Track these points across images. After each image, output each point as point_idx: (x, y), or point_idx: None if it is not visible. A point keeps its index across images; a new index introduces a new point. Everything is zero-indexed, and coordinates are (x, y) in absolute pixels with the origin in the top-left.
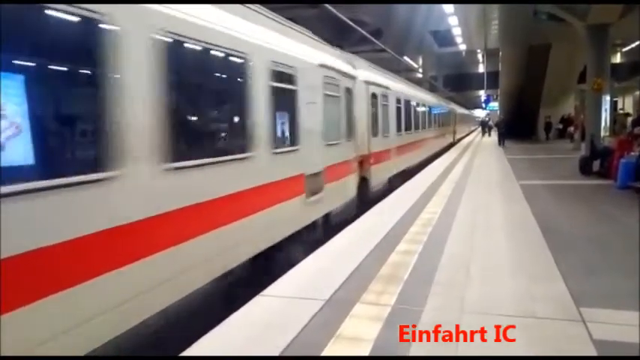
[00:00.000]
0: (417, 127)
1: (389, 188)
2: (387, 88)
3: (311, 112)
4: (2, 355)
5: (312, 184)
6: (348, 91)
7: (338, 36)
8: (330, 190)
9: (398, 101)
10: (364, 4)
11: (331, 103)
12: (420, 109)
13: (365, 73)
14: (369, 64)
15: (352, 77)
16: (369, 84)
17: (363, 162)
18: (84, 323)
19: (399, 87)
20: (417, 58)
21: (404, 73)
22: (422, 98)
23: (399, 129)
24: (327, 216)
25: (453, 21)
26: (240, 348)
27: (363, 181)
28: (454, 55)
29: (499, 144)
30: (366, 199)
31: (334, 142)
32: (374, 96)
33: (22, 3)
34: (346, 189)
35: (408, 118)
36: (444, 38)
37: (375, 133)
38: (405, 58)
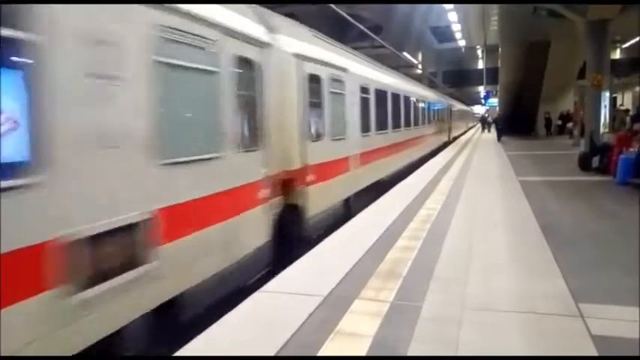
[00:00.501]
0: (396, 126)
1: (346, 213)
2: (342, 69)
3: (102, 100)
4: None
5: (99, 256)
6: (249, 66)
7: (337, 32)
8: (178, 252)
9: (364, 90)
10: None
11: (186, 82)
12: (403, 102)
13: (296, 43)
14: (311, 32)
15: (260, 43)
16: (303, 59)
17: (290, 181)
18: None
19: (367, 71)
20: (417, 54)
21: (403, 69)
22: (405, 89)
23: (365, 128)
24: (171, 304)
25: (453, 17)
26: (238, 345)
27: (292, 211)
28: (453, 51)
29: (498, 140)
30: (297, 237)
31: (196, 158)
32: (314, 79)
33: (23, 3)
34: (236, 238)
35: (382, 113)
36: (444, 34)
37: (316, 136)
38: (405, 54)
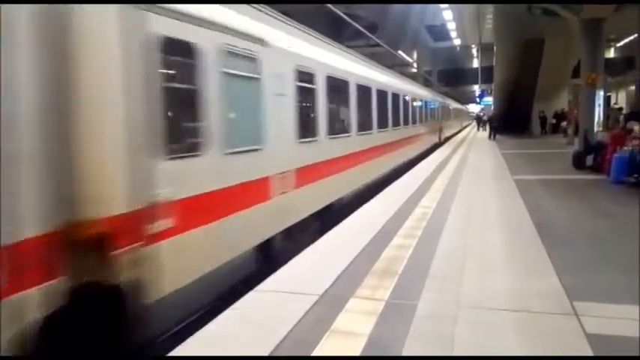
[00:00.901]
0: (364, 127)
1: (265, 263)
2: (254, 39)
3: None
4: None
5: None
6: None
7: (333, 30)
8: None
9: (305, 77)
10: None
11: None
12: (375, 97)
13: None
14: None
15: None
16: (145, 9)
17: (98, 240)
18: None
19: (310, 50)
20: (412, 52)
21: (398, 67)
22: (379, 80)
23: (307, 132)
24: None
25: (448, 15)
26: (233, 343)
27: (103, 298)
28: (449, 50)
29: (493, 138)
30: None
31: None
32: (181, 49)
33: (24, 3)
34: None
35: (339, 111)
36: (439, 33)
37: (185, 148)
38: (400, 52)
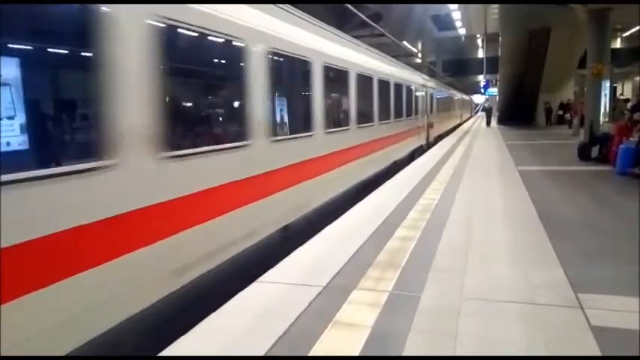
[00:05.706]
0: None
1: None
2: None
3: None
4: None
5: None
6: None
7: (337, 19)
8: None
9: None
10: None
11: None
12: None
13: None
14: None
15: None
16: None
17: None
18: None
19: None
20: (417, 43)
21: (403, 57)
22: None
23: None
24: None
25: (453, 5)
26: (237, 334)
27: None
28: (454, 40)
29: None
30: None
31: None
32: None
33: (24, 3)
34: None
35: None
36: (444, 22)
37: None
38: (404, 42)
